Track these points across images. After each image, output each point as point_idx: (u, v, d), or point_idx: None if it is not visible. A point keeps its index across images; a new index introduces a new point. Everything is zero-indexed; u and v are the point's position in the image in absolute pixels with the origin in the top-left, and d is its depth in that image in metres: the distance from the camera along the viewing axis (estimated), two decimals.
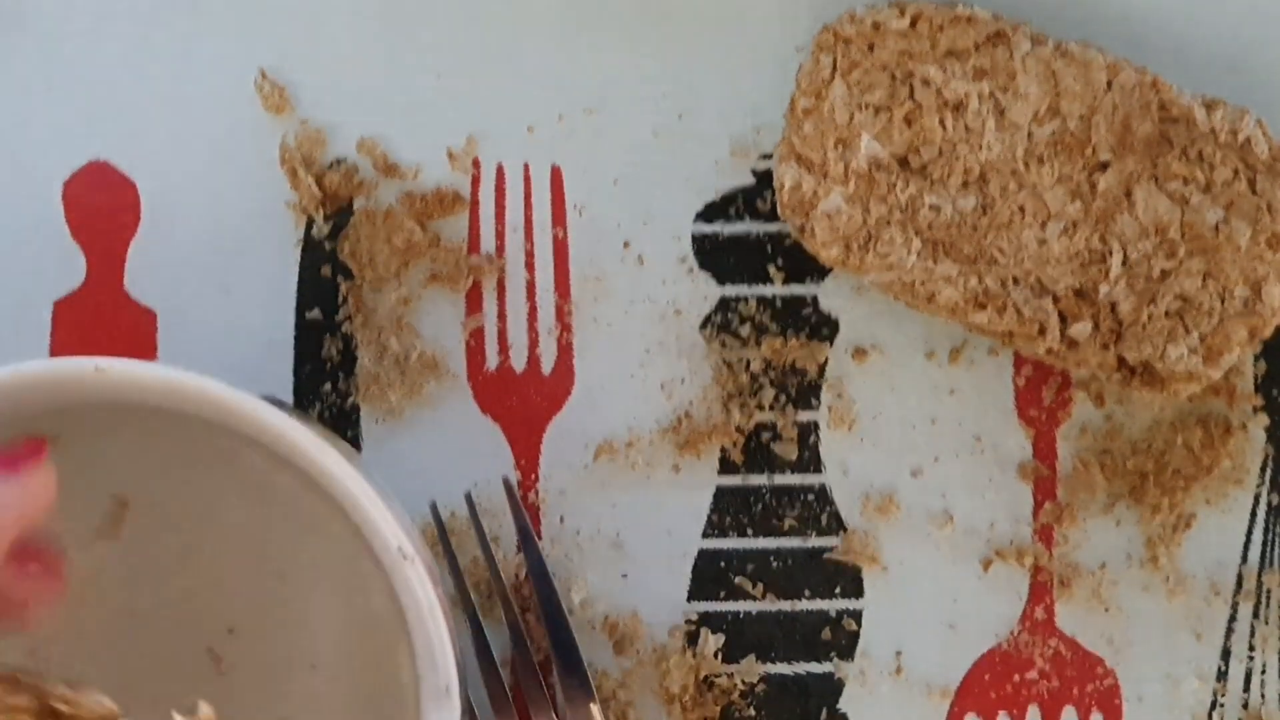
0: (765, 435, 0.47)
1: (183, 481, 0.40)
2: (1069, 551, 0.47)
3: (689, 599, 0.47)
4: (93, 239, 0.47)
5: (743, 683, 0.47)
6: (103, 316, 0.47)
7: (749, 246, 0.47)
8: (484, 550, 0.45)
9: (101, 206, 0.47)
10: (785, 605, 0.47)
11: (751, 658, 0.47)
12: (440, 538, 0.46)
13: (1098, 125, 0.43)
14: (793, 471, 0.47)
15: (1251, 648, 0.47)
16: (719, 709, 0.47)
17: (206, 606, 0.40)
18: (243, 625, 0.40)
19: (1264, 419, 0.47)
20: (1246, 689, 0.47)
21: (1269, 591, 0.47)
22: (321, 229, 0.47)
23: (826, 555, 0.47)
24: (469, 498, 0.46)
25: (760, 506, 0.47)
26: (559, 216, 0.47)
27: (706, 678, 0.47)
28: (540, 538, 0.47)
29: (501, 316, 0.47)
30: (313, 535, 0.40)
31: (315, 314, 0.47)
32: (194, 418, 0.38)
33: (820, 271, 0.47)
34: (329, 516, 0.39)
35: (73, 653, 0.40)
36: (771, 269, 0.47)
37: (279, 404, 0.38)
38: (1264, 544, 0.47)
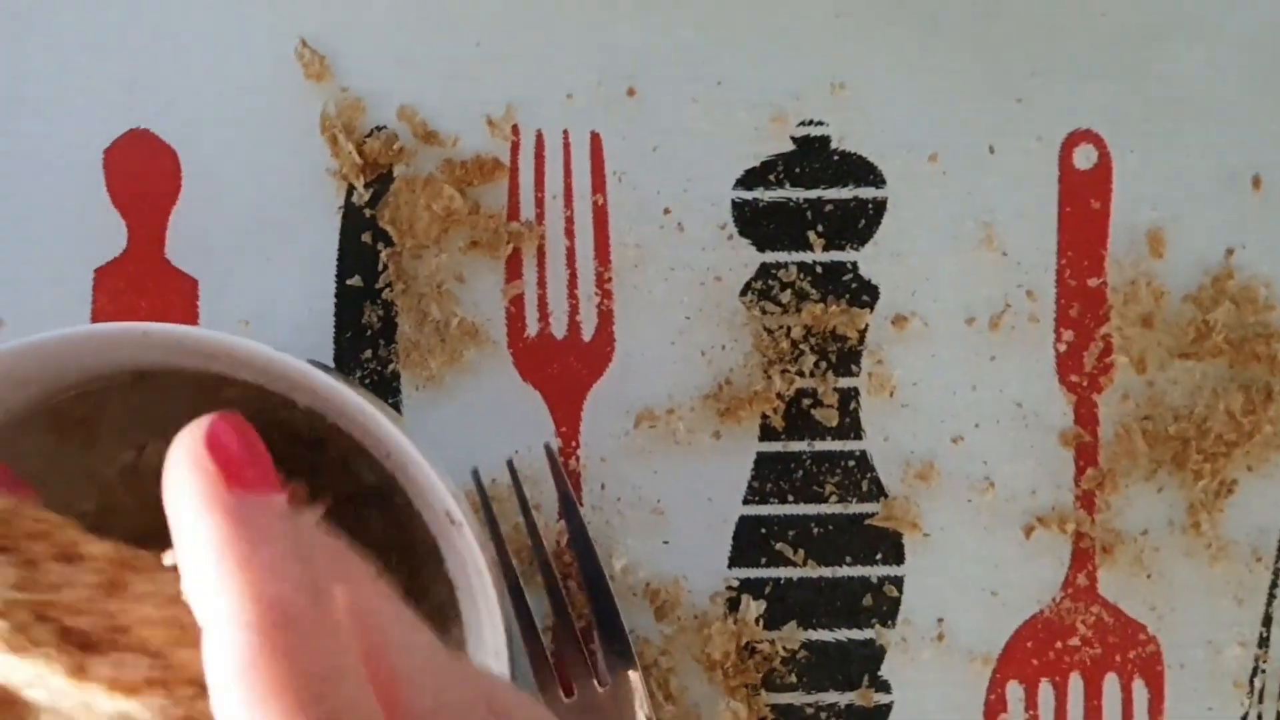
0: (806, 401, 0.47)
1: None
2: (1111, 518, 0.47)
3: (730, 565, 0.47)
4: (133, 206, 0.47)
5: (784, 649, 0.47)
6: (144, 284, 0.47)
7: (789, 213, 0.47)
8: (526, 517, 0.45)
9: (142, 174, 0.47)
10: (826, 571, 0.47)
11: (793, 624, 0.47)
12: (482, 504, 0.46)
13: None
14: (833, 438, 0.47)
15: None
16: (760, 675, 0.47)
17: None
18: None
19: None
20: None
21: None
22: (362, 196, 0.47)
23: (867, 521, 0.47)
24: (510, 465, 0.46)
25: (801, 473, 0.47)
26: (598, 183, 0.47)
27: (748, 644, 0.47)
28: (581, 505, 0.47)
29: (541, 283, 0.47)
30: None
31: (356, 281, 0.47)
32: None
33: (860, 238, 0.47)
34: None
35: None
36: (812, 235, 0.47)
37: (324, 369, 0.38)
38: None
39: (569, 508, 0.46)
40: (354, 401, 0.36)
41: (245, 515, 0.23)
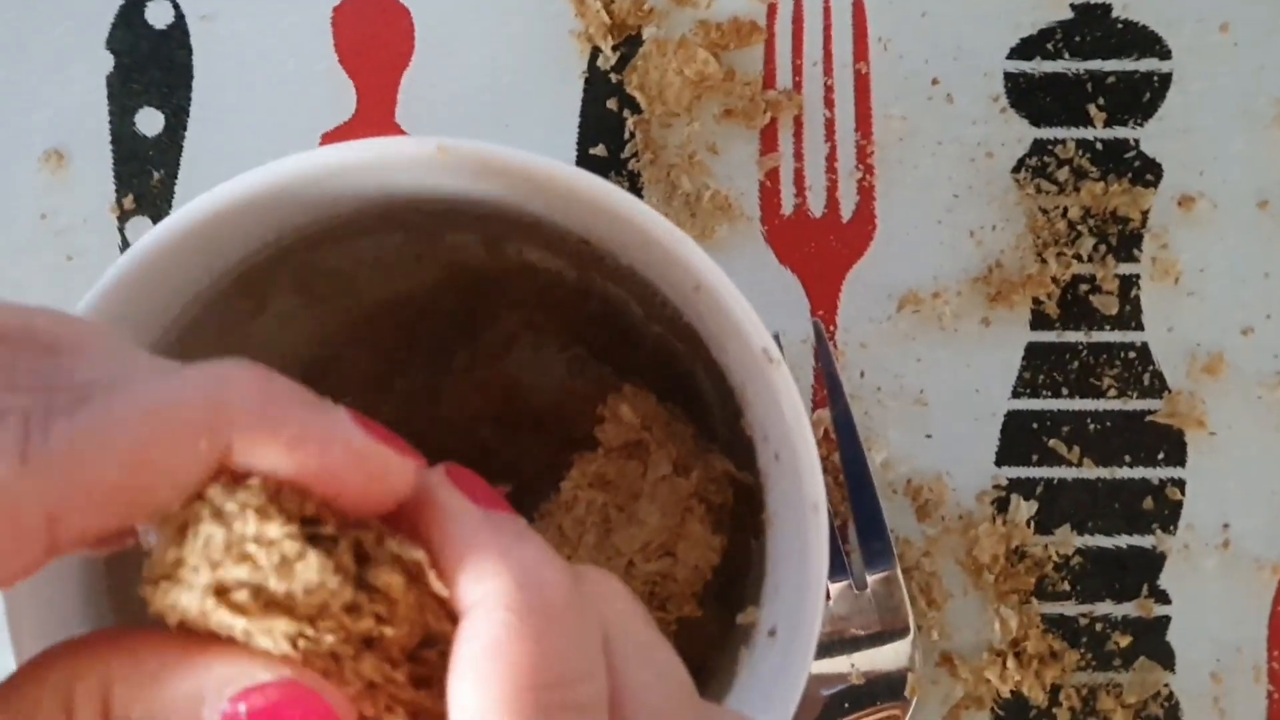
0: (1083, 288, 0.44)
1: None
2: None
3: (998, 463, 0.44)
4: (363, 69, 0.44)
5: (1057, 555, 0.43)
6: None
7: (1066, 85, 0.44)
8: None
9: (373, 35, 0.44)
10: (1103, 472, 0.43)
11: (1066, 528, 0.43)
12: None
13: None
14: (1112, 328, 0.44)
15: None
16: (1033, 581, 0.43)
17: None
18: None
19: None
20: None
21: None
22: (608, 59, 0.44)
23: (1148, 418, 0.43)
24: (776, 338, 0.42)
25: (1076, 365, 0.44)
26: (861, 51, 0.44)
27: (1018, 548, 0.43)
28: None
29: (799, 156, 0.44)
30: None
31: (599, 150, 0.44)
32: None
33: (1144, 113, 0.44)
34: None
35: None
36: (1092, 109, 0.44)
37: None
38: None
39: (834, 390, 0.42)
40: (664, 226, 0.33)
41: (502, 524, 0.23)
